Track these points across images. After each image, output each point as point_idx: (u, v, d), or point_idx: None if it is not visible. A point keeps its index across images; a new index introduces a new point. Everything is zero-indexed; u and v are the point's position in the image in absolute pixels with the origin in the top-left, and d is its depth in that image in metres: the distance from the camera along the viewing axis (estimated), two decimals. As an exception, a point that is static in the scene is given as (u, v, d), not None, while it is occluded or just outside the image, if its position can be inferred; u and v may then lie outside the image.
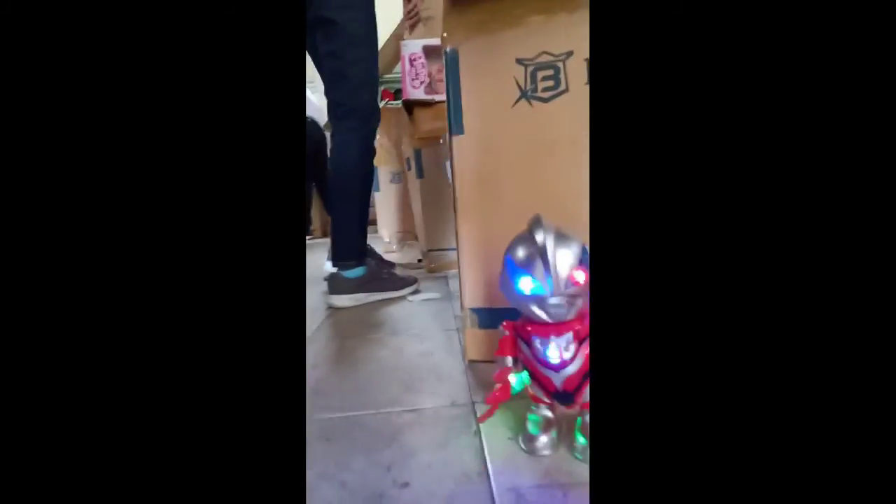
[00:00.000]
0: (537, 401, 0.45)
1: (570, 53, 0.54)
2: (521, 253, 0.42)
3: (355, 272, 1.01)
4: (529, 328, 0.43)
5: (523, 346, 0.44)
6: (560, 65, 0.55)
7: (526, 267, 0.41)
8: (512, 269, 0.42)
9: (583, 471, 0.41)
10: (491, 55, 0.57)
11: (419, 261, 1.40)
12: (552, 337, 0.42)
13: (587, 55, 0.53)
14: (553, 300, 0.40)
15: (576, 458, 0.43)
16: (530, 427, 0.45)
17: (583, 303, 0.41)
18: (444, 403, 0.54)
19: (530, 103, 0.56)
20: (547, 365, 0.42)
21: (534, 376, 0.44)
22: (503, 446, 0.45)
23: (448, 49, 0.58)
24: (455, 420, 0.51)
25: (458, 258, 0.64)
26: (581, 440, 0.43)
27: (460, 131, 0.58)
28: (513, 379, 0.45)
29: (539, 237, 0.41)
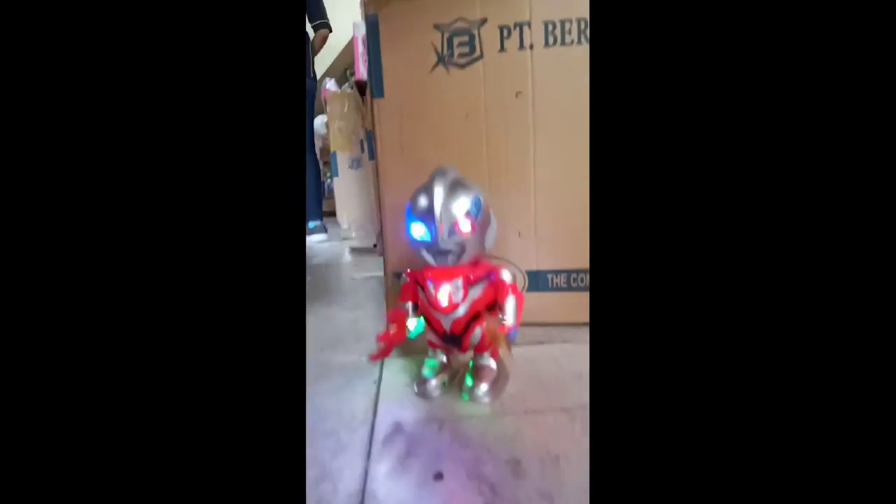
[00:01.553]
0: (433, 346, 0.48)
1: (483, 20, 0.56)
2: (416, 200, 0.44)
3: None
4: (426, 274, 0.45)
5: (420, 292, 0.46)
6: (475, 32, 0.56)
7: (418, 214, 0.43)
8: (409, 215, 0.44)
9: (462, 408, 0.43)
10: (410, 21, 0.58)
11: (374, 245, 1.40)
12: (444, 281, 0.44)
13: (500, 22, 0.55)
14: (438, 246, 0.43)
15: (462, 398, 0.45)
16: (425, 371, 0.47)
17: (471, 251, 0.44)
18: (354, 360, 0.55)
19: (447, 69, 0.58)
20: (438, 307, 0.44)
21: (428, 320, 0.47)
22: (398, 392, 0.47)
23: (369, 13, 0.59)
24: (358, 371, 0.52)
25: (381, 223, 0.65)
26: (468, 381, 0.45)
27: (380, 94, 0.59)
28: (412, 323, 0.46)
29: (433, 187, 0.43)
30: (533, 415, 0.41)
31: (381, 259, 0.68)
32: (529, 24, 0.54)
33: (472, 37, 0.56)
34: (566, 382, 0.46)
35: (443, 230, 0.42)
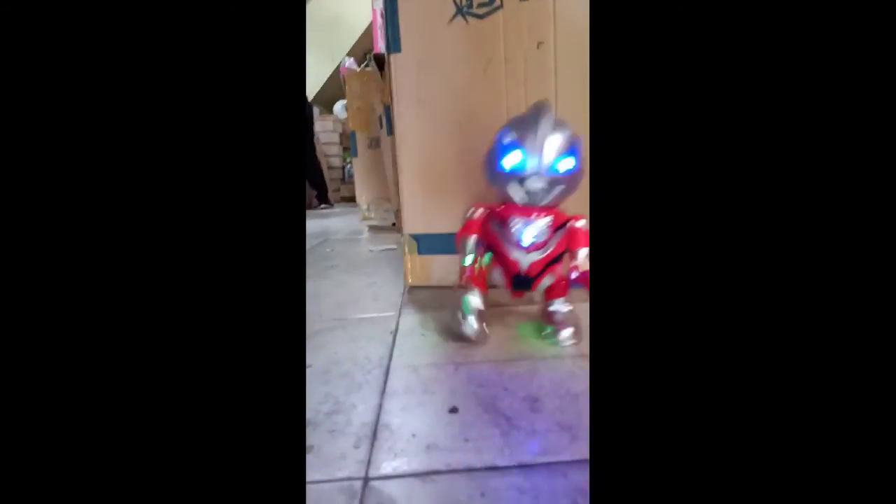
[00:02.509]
0: (479, 284, 0.46)
1: (504, -32, 0.54)
2: (515, 128, 0.42)
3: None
4: (509, 209, 0.43)
5: (495, 227, 0.45)
6: (495, -20, 0.55)
7: (516, 141, 0.41)
8: (501, 143, 0.42)
9: (475, 352, 0.42)
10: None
11: (393, 224, 1.40)
12: (532, 218, 0.43)
13: (520, -31, 0.54)
14: (534, 179, 0.41)
15: (550, 342, 0.43)
16: (465, 307, 0.45)
17: (562, 194, 0.42)
18: (371, 316, 0.55)
19: (466, 20, 0.56)
20: (519, 245, 0.43)
21: (499, 257, 0.45)
22: (414, 340, 0.46)
23: (386, -35, 0.58)
24: (375, 324, 0.51)
25: (399, 183, 0.64)
26: (549, 327, 0.45)
27: (398, 49, 0.58)
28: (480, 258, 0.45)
29: (540, 117, 0.41)
30: (552, 360, 0.40)
31: (398, 235, 0.67)
32: (552, -30, 0.53)
33: (491, -15, 0.55)
34: (585, 332, 0.45)
35: (543, 162, 0.40)
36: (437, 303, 0.57)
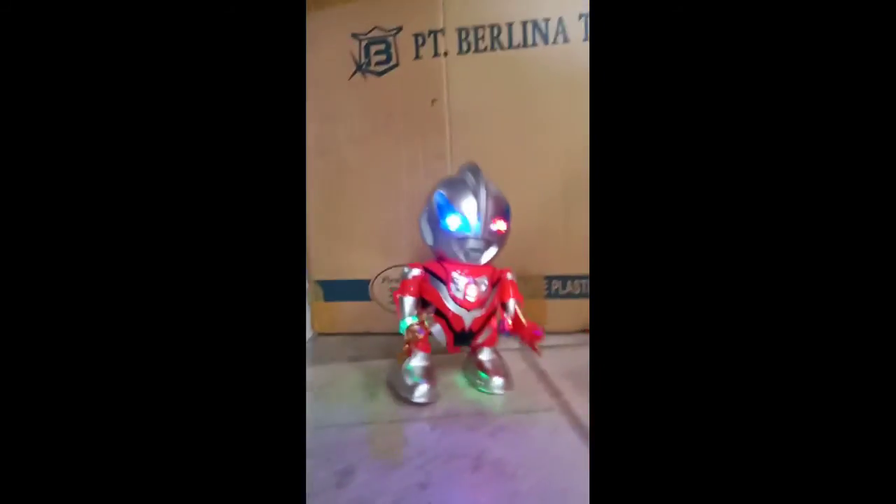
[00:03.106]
0: (424, 348, 0.47)
1: (399, 29, 0.58)
2: (455, 192, 0.45)
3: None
4: (452, 268, 0.46)
5: (435, 286, 0.47)
6: (391, 40, 0.58)
7: (458, 206, 0.44)
8: (443, 205, 0.45)
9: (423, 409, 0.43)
10: (329, 31, 0.59)
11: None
12: (473, 276, 0.46)
13: (415, 30, 0.57)
14: (473, 242, 0.44)
15: (480, 391, 0.46)
16: (412, 374, 0.46)
17: (495, 252, 0.46)
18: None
19: (364, 77, 0.59)
20: (461, 304, 0.46)
21: (440, 316, 0.47)
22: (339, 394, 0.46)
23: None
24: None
25: (307, 230, 0.64)
26: (482, 375, 0.47)
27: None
28: (429, 321, 0.46)
29: (477, 180, 0.45)
30: (514, 415, 0.42)
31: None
32: (443, 32, 0.57)
33: (388, 45, 0.58)
34: (514, 379, 0.48)
35: (486, 224, 0.44)
36: (352, 350, 0.58)
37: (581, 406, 0.42)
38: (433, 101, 0.58)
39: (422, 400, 0.44)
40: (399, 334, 0.45)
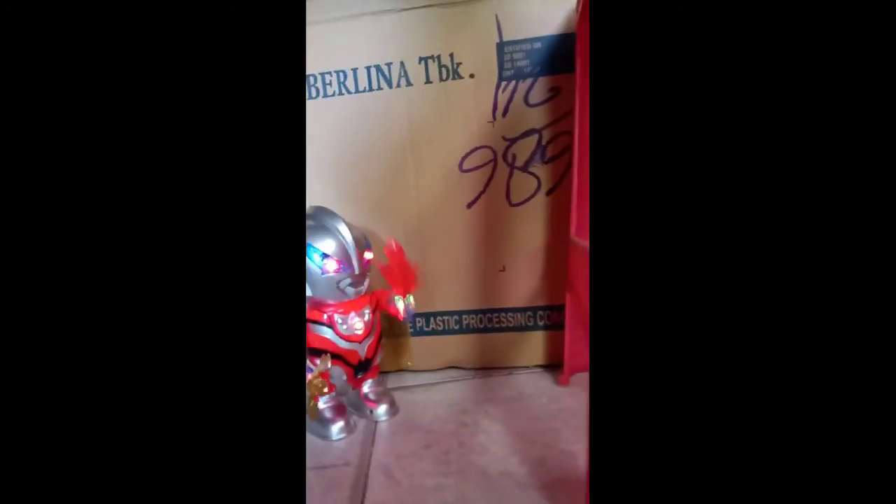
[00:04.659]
0: (331, 388, 0.49)
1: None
2: (319, 237, 0.47)
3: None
4: (330, 309, 0.48)
5: (319, 331, 0.48)
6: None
7: (329, 250, 0.47)
8: (314, 252, 0.47)
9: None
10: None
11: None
12: (355, 310, 0.49)
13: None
14: (353, 279, 0.47)
15: (377, 420, 0.51)
16: (326, 412, 0.49)
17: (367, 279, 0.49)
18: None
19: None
20: (352, 339, 0.49)
21: (335, 357, 0.49)
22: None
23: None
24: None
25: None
26: (370, 409, 0.52)
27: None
28: (324, 363, 0.47)
29: (335, 223, 0.48)
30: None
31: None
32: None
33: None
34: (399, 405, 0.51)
35: (360, 258, 0.47)
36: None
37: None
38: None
39: (342, 436, 0.48)
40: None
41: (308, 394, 0.46)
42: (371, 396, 0.53)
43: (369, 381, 0.53)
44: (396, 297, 0.49)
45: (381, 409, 0.51)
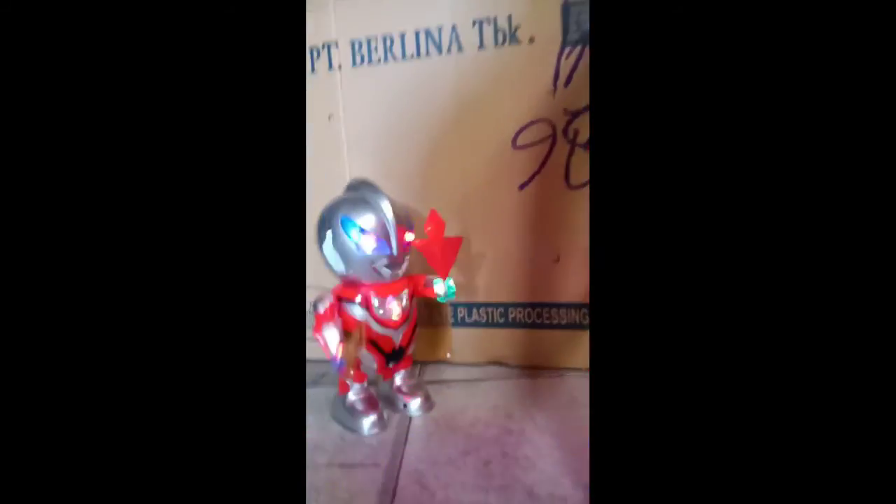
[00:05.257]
0: (359, 379, 0.46)
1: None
2: (358, 212, 0.43)
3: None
4: (366, 290, 0.44)
5: (354, 311, 0.44)
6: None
7: (367, 225, 0.42)
8: (352, 227, 0.42)
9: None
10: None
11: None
12: (393, 294, 0.44)
13: (309, 43, 0.53)
14: (390, 260, 0.43)
15: (410, 415, 0.47)
16: (357, 404, 0.46)
17: (406, 262, 0.45)
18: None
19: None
20: (388, 324, 0.44)
21: (366, 341, 0.45)
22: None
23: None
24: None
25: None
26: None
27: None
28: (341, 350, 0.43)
29: (373, 197, 0.43)
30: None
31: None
32: (337, 44, 0.53)
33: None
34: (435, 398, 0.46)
35: (400, 238, 0.43)
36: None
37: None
38: (329, 115, 0.54)
39: (374, 431, 0.44)
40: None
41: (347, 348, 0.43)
42: (404, 389, 0.48)
43: (402, 371, 0.49)
44: (436, 281, 0.45)
45: (415, 404, 0.47)
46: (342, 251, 0.43)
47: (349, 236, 0.43)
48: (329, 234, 0.44)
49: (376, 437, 0.44)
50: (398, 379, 0.49)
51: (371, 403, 0.46)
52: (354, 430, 0.45)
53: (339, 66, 0.53)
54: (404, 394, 0.48)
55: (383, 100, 0.53)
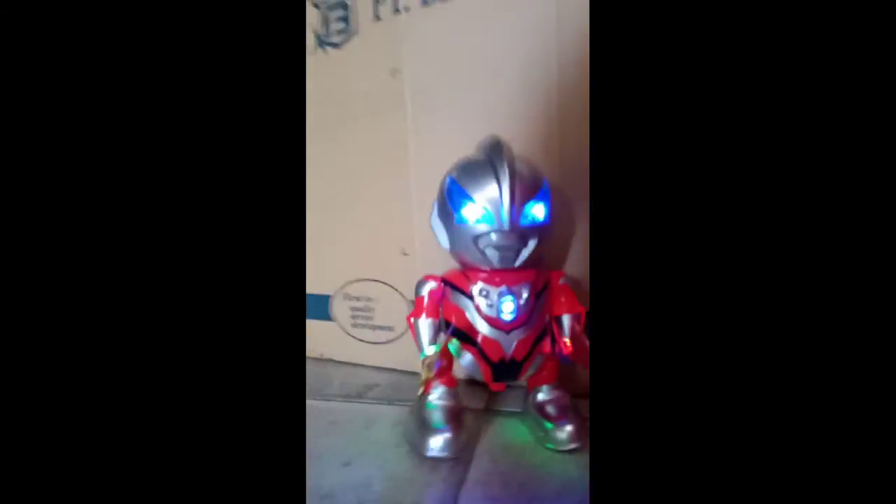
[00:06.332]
0: (448, 382, 0.36)
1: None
2: (470, 174, 0.33)
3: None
4: (475, 276, 0.34)
5: (458, 303, 0.35)
6: (349, 1, 0.47)
7: (474, 190, 0.32)
8: (456, 192, 0.33)
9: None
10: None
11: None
12: (507, 286, 0.33)
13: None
14: (501, 238, 0.31)
15: (548, 447, 0.33)
16: (432, 417, 0.34)
17: (535, 250, 0.33)
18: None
19: (325, 51, 0.49)
20: (497, 324, 0.33)
21: (471, 343, 0.35)
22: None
23: None
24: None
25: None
26: (547, 425, 0.34)
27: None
28: (452, 345, 0.35)
29: (494, 158, 0.32)
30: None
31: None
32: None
33: (345, 7, 0.47)
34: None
35: (516, 211, 0.31)
36: (319, 382, 0.48)
37: None
38: (393, 70, 0.45)
39: (438, 454, 0.32)
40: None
41: (421, 374, 0.33)
42: (551, 410, 0.34)
43: (545, 386, 0.36)
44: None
45: (565, 433, 0.32)
46: (446, 221, 0.34)
47: (451, 203, 0.33)
48: (436, 201, 0.35)
49: (432, 469, 0.31)
50: (541, 394, 0.36)
51: (453, 417, 0.34)
52: (415, 446, 0.34)
53: (407, 9, 0.44)
54: (548, 416, 0.34)
55: (457, 44, 0.42)
